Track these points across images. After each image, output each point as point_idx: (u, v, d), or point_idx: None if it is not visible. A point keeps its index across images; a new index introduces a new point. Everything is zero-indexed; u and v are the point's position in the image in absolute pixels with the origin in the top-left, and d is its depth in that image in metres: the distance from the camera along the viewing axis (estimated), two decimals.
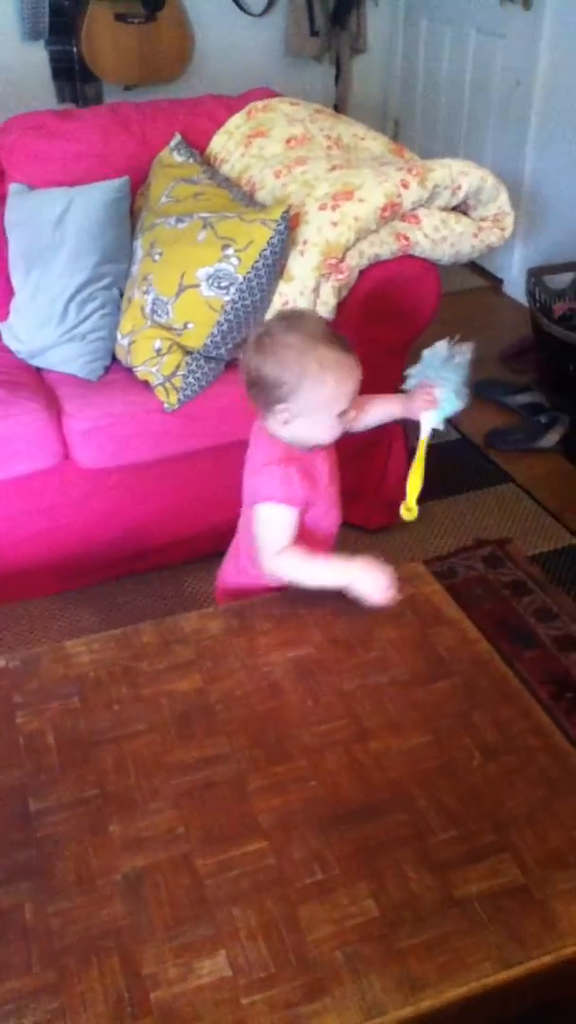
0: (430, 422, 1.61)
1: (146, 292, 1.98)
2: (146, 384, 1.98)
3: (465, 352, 1.59)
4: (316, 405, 1.42)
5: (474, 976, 1.01)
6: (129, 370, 2.03)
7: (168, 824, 1.15)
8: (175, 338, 1.93)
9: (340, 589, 1.46)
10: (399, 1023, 0.98)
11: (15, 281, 2.17)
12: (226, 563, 1.74)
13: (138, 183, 2.27)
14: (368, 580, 1.45)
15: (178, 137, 2.30)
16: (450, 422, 2.86)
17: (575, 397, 2.79)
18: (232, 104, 2.44)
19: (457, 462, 2.75)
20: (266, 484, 1.48)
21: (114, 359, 2.09)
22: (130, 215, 2.16)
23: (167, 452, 2.03)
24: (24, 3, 3.38)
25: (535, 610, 2.17)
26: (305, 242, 1.97)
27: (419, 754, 1.25)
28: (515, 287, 3.66)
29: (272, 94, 2.51)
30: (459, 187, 2.05)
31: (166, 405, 1.94)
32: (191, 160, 2.22)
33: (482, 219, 2.15)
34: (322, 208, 1.97)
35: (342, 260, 1.97)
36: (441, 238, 2.06)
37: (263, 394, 1.45)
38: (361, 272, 2.03)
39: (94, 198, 2.08)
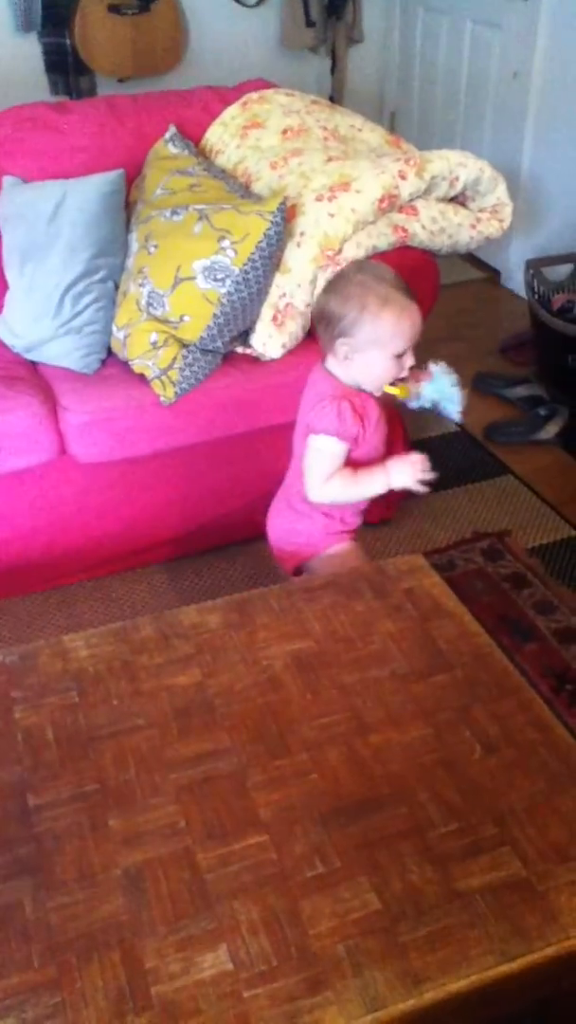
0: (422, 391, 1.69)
1: (142, 285, 1.97)
2: (142, 378, 1.97)
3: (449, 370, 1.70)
4: (374, 339, 1.53)
5: (476, 969, 1.01)
6: (125, 364, 2.02)
7: (168, 819, 1.15)
8: (171, 331, 1.93)
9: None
10: (401, 1016, 0.98)
11: (9, 275, 2.16)
12: (274, 505, 1.86)
13: (133, 176, 2.26)
14: (403, 474, 1.62)
15: (173, 129, 2.29)
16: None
17: (574, 389, 2.78)
18: (227, 95, 2.42)
19: (456, 455, 2.74)
20: (321, 418, 1.59)
21: (110, 353, 2.08)
22: (125, 208, 2.15)
23: (164, 446, 2.02)
24: None
25: (535, 603, 2.16)
26: (302, 234, 1.96)
27: (419, 748, 1.25)
28: (513, 279, 3.65)
29: (268, 85, 2.49)
30: (457, 178, 2.04)
31: (162, 399, 1.93)
32: (186, 152, 2.21)
33: (480, 210, 2.14)
34: (319, 200, 1.96)
35: (339, 252, 1.97)
36: (439, 229, 2.05)
37: (327, 329, 1.57)
38: None
39: (89, 191, 2.07)
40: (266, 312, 2.00)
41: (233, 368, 2.04)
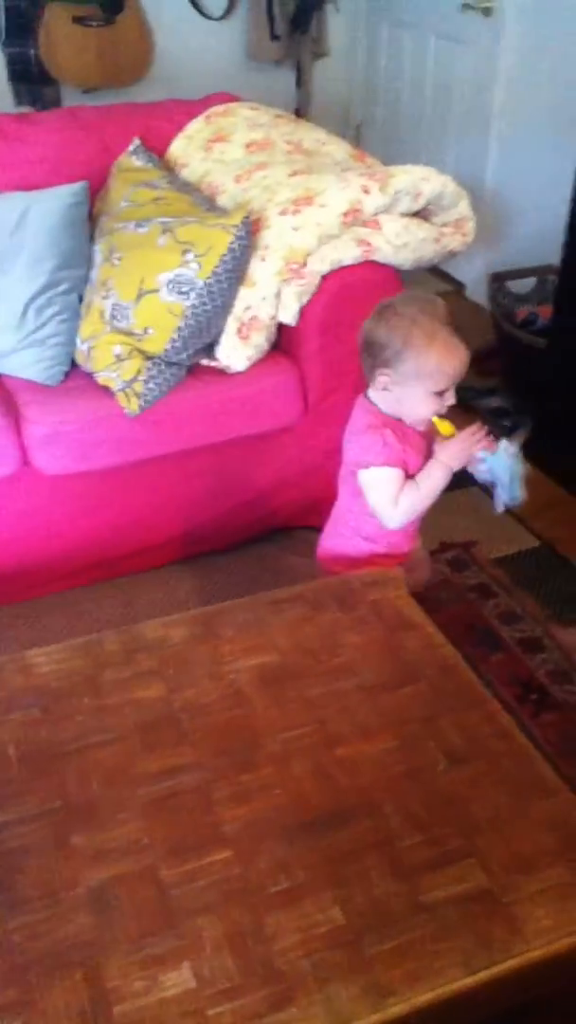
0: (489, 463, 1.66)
1: (106, 297, 1.96)
2: (107, 390, 1.96)
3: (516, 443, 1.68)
4: (415, 374, 1.53)
5: (441, 982, 1.01)
6: (89, 376, 2.01)
7: (133, 835, 1.14)
8: (135, 343, 1.92)
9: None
10: None
11: None
12: (325, 528, 1.84)
13: (97, 187, 2.26)
14: (457, 454, 1.60)
15: (137, 141, 2.29)
16: None
17: (538, 401, 2.81)
18: (192, 108, 2.43)
19: None
20: (365, 450, 1.61)
21: (74, 365, 2.07)
22: (89, 220, 2.15)
23: (129, 458, 2.01)
24: None
25: (500, 613, 2.18)
26: (266, 247, 1.96)
27: (385, 760, 1.25)
28: (478, 292, 3.68)
29: (232, 99, 2.50)
30: (420, 193, 2.05)
31: (127, 411, 1.92)
32: (151, 164, 2.21)
33: (443, 225, 2.16)
34: (283, 213, 1.97)
35: (304, 265, 1.97)
36: (403, 244, 2.06)
37: (370, 357, 1.57)
38: (323, 278, 2.02)
39: (52, 203, 2.06)
40: (231, 325, 2.00)
41: (198, 380, 2.04)
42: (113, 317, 1.94)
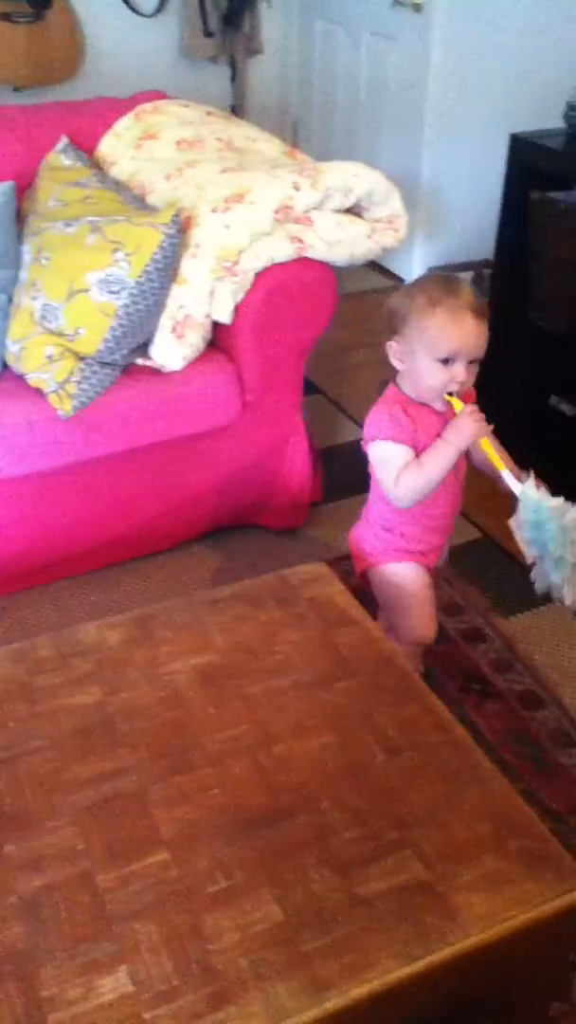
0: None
1: (35, 298, 1.94)
2: (39, 392, 1.93)
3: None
4: (419, 339, 1.50)
5: (378, 973, 1.01)
6: (20, 378, 1.99)
7: (68, 842, 1.13)
8: (67, 344, 1.90)
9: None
10: None
11: None
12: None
13: (24, 187, 2.23)
14: (463, 431, 1.53)
15: (65, 140, 2.26)
16: (359, 423, 2.90)
17: (476, 392, 2.83)
18: (121, 106, 2.41)
19: (362, 462, 2.76)
20: (373, 423, 1.59)
21: (5, 367, 2.04)
22: (16, 220, 2.12)
23: (66, 461, 1.99)
24: None
25: (442, 605, 2.19)
26: (198, 245, 1.96)
27: (323, 756, 1.25)
28: None
29: (162, 96, 2.49)
30: (351, 189, 2.06)
31: (60, 412, 1.90)
32: (80, 163, 2.19)
33: (376, 221, 2.17)
34: (214, 211, 1.96)
35: (237, 263, 1.97)
36: (336, 240, 2.07)
37: (388, 329, 1.55)
38: (257, 275, 2.02)
39: None
40: (165, 323, 1.99)
41: (134, 380, 2.02)
42: (43, 318, 1.92)
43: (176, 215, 1.88)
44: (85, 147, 2.34)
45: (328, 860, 1.12)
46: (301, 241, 2.02)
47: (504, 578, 2.29)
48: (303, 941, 1.04)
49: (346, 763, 1.24)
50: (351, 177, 2.05)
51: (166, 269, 1.90)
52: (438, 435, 1.58)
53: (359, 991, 1.00)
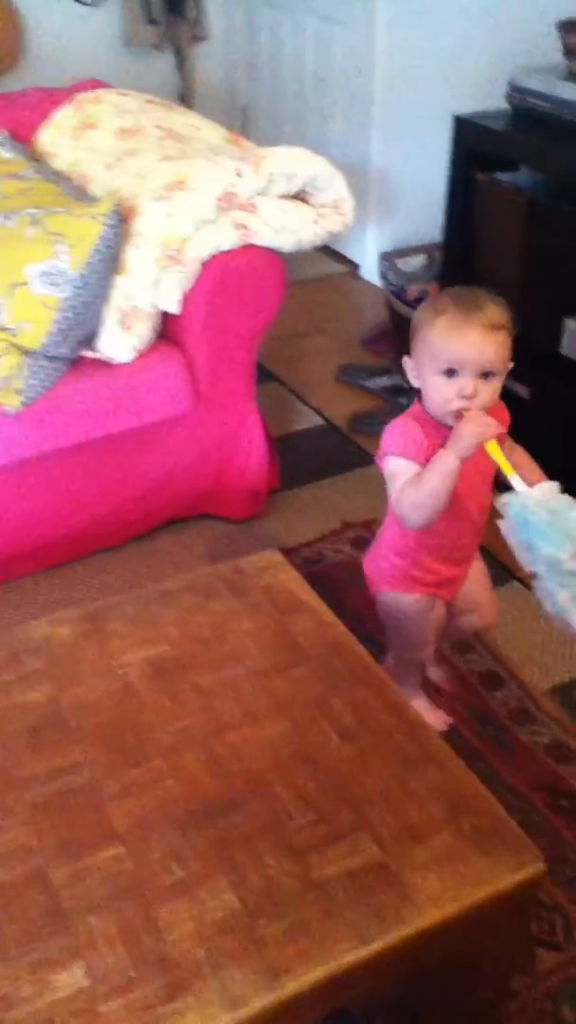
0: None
1: None
2: None
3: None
4: (424, 351, 1.44)
5: (334, 955, 1.02)
6: None
7: (20, 839, 1.12)
8: (10, 339, 1.88)
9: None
10: (262, 1012, 0.98)
11: None
12: None
13: None
14: (466, 437, 1.38)
15: (3, 132, 2.23)
16: (316, 410, 2.90)
17: None
18: (59, 96, 2.38)
19: (321, 447, 2.77)
20: (387, 437, 1.51)
21: None
22: None
23: (15, 456, 1.97)
24: None
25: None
26: (140, 235, 1.94)
27: (277, 742, 1.25)
28: (371, 271, 3.71)
29: (101, 85, 2.46)
30: (295, 175, 2.05)
31: (8, 408, 1.88)
32: (17, 155, 2.16)
33: (322, 206, 2.16)
34: (156, 200, 1.95)
35: (181, 251, 1.96)
36: (281, 226, 2.06)
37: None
38: (203, 264, 2.01)
39: None
40: (111, 315, 1.97)
41: (83, 374, 2.01)
42: None
43: (116, 205, 1.87)
44: (23, 138, 2.31)
45: (283, 846, 1.12)
46: (246, 228, 2.01)
47: None
48: (258, 928, 1.04)
49: (300, 749, 1.25)
50: (294, 163, 2.04)
51: (108, 260, 1.88)
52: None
53: (315, 975, 1.01)
